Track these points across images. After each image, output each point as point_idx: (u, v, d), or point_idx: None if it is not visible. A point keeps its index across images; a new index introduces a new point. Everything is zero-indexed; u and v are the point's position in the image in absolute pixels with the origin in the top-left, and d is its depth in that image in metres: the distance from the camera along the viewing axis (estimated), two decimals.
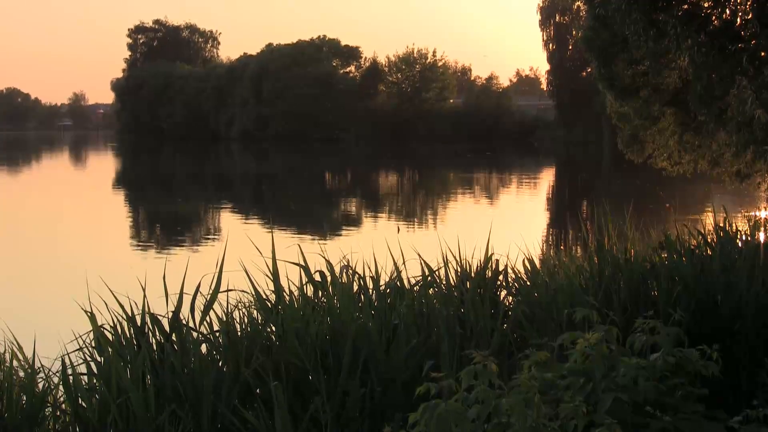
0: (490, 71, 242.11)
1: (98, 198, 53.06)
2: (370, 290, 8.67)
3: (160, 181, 67.24)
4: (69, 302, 7.94)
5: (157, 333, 7.62)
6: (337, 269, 8.64)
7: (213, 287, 7.80)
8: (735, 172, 21.14)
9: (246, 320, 7.82)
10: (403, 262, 9.06)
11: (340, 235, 32.81)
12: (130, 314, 7.58)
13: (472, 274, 9.00)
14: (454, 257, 9.23)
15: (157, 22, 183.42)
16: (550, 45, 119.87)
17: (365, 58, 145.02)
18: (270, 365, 7.21)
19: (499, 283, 9.21)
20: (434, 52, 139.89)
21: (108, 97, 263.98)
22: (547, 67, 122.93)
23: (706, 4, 13.39)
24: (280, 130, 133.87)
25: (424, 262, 9.06)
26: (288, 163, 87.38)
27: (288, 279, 8.30)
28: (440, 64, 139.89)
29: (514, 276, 9.36)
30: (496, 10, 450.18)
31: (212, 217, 42.91)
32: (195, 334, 7.68)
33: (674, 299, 8.54)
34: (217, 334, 7.73)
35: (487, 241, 9.21)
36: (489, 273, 9.07)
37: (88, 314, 7.45)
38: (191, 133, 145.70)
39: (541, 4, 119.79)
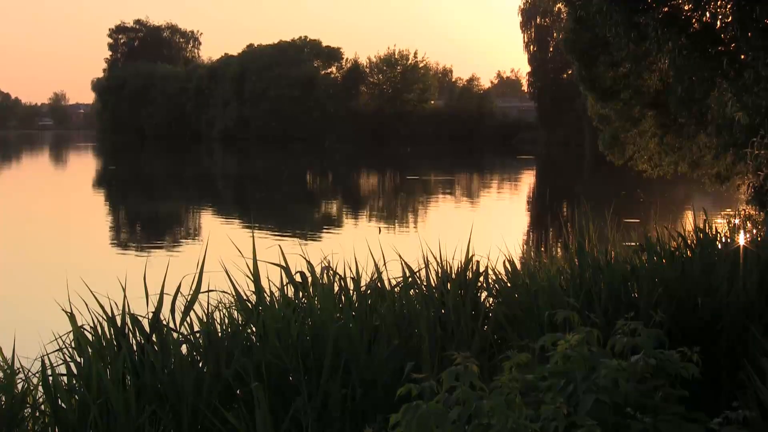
0: (471, 73, 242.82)
1: (78, 198, 52.86)
2: (351, 291, 8.65)
3: (140, 182, 67.02)
4: (49, 302, 7.92)
5: (138, 333, 7.60)
6: (317, 270, 8.63)
7: (193, 288, 7.78)
8: (715, 174, 21.26)
9: (226, 321, 7.80)
10: (384, 264, 9.05)
11: (321, 235, 32.81)
12: (110, 315, 7.55)
13: (453, 276, 8.99)
14: (435, 258, 9.23)
15: (138, 22, 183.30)
16: (531, 47, 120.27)
17: (347, 59, 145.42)
18: (251, 366, 7.20)
19: (479, 284, 9.20)
20: (415, 53, 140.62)
21: (89, 97, 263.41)
22: (529, 68, 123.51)
23: (686, 7, 13.43)
24: (261, 130, 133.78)
25: (405, 263, 9.05)
26: (269, 163, 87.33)
27: (269, 280, 8.29)
28: (421, 65, 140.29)
29: (494, 277, 9.36)
30: (477, 11, 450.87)
31: (193, 218, 42.83)
32: (175, 335, 7.66)
33: (655, 301, 8.56)
34: (198, 334, 7.71)
35: (467, 243, 9.22)
36: (470, 274, 9.07)
37: (68, 314, 7.42)
38: (172, 134, 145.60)
39: (522, 6, 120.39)
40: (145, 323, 7.61)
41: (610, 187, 43.51)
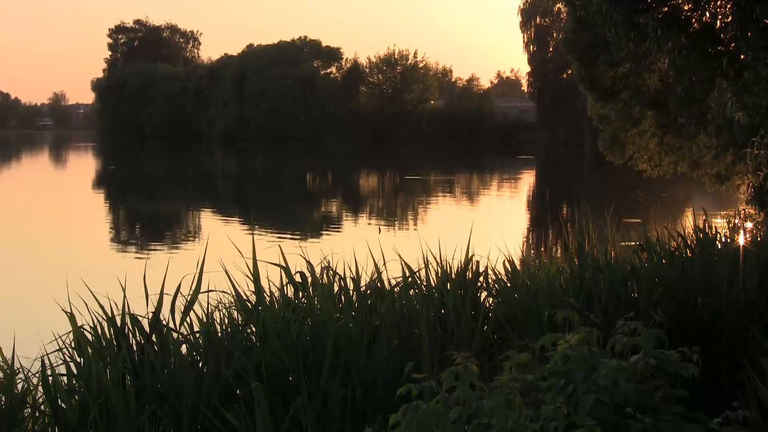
0: (471, 73, 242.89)
1: (78, 198, 52.85)
2: (351, 291, 8.65)
3: (140, 182, 67.01)
4: (49, 302, 7.91)
5: (138, 333, 7.59)
6: (317, 270, 8.63)
7: (193, 288, 7.78)
8: (715, 174, 21.26)
9: (226, 321, 7.80)
10: (384, 263, 9.04)
11: (321, 235, 32.82)
12: (110, 315, 7.55)
13: (453, 275, 8.98)
14: (435, 258, 9.21)
15: (137, 22, 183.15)
16: (531, 47, 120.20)
17: (346, 59, 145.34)
18: (251, 366, 7.20)
19: (479, 284, 9.19)
20: (415, 53, 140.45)
21: (88, 97, 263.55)
22: (528, 68, 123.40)
23: (686, 7, 13.43)
24: (261, 130, 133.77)
25: (405, 263, 9.04)
26: (269, 163, 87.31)
27: (268, 280, 8.28)
28: (421, 65, 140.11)
29: (494, 277, 9.35)
30: (477, 11, 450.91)
31: (193, 218, 42.81)
32: (175, 335, 7.66)
33: (655, 301, 8.55)
34: (198, 334, 7.71)
35: (467, 243, 9.21)
36: (470, 274, 9.06)
37: (68, 315, 7.42)
38: (172, 134, 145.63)
39: (521, 6, 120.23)
40: (145, 323, 7.61)
41: (610, 187, 43.53)
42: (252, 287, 8.15)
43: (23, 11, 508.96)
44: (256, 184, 63.11)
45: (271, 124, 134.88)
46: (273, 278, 8.37)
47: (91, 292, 7.56)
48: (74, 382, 7.31)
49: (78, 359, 7.43)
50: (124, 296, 7.62)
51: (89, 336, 7.48)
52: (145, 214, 43.17)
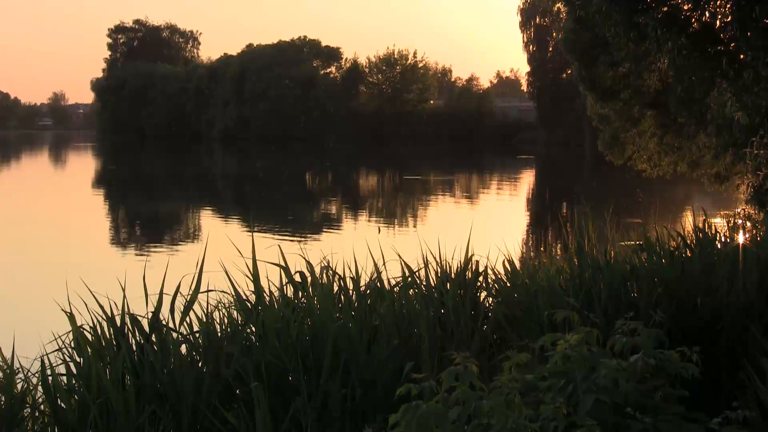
0: (470, 73, 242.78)
1: (78, 198, 52.83)
2: (351, 291, 8.64)
3: (140, 182, 66.99)
4: (49, 302, 7.90)
5: (137, 333, 7.58)
6: (317, 270, 8.62)
7: (193, 288, 7.77)
8: (714, 174, 21.27)
9: (226, 321, 7.79)
10: (384, 263, 9.02)
11: (321, 235, 32.80)
12: (109, 315, 7.54)
13: (453, 275, 8.97)
14: (435, 258, 9.20)
15: (137, 22, 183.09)
16: (531, 47, 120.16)
17: (346, 58, 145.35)
18: (250, 366, 7.19)
19: (479, 284, 9.18)
20: (415, 53, 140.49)
21: (88, 97, 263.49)
22: (528, 68, 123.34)
23: (686, 7, 13.42)
24: (261, 130, 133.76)
25: (405, 263, 9.03)
26: (269, 163, 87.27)
27: (268, 279, 8.27)
28: (421, 65, 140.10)
29: (494, 277, 9.33)
30: (477, 11, 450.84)
31: (193, 218, 42.81)
32: (175, 335, 7.66)
33: (655, 301, 8.54)
34: (197, 334, 7.70)
35: (467, 242, 9.20)
36: (469, 274, 9.05)
37: (68, 315, 7.41)
38: (172, 134, 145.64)
39: (521, 6, 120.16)
40: (145, 323, 7.60)
41: (610, 187, 43.51)
42: (252, 287, 8.14)
43: (23, 11, 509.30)
44: (256, 184, 63.08)
45: (271, 124, 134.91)
46: (273, 278, 8.36)
47: (90, 292, 7.55)
48: (74, 382, 7.30)
49: (78, 359, 7.42)
50: (124, 296, 7.61)
51: (89, 336, 7.47)
52: (145, 214, 43.17)
